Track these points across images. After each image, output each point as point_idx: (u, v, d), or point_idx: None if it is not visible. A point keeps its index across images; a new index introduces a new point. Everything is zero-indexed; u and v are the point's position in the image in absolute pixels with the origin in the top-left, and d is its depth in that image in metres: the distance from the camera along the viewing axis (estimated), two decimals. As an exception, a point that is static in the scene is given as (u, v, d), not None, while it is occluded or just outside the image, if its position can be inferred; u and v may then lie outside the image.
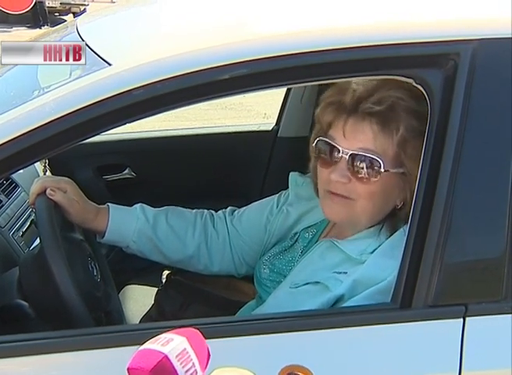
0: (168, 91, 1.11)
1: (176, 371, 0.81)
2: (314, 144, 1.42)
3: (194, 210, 1.71)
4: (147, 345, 0.84)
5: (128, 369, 0.82)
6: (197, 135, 2.63)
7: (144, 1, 2.03)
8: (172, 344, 0.83)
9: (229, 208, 1.74)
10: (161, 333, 0.86)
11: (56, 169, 2.07)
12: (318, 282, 1.38)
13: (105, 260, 1.70)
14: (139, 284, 2.07)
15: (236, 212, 1.72)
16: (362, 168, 1.33)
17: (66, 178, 1.55)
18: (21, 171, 1.85)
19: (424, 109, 1.19)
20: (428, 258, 1.15)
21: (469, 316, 1.16)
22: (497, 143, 1.16)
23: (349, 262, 1.38)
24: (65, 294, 1.25)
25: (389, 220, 1.40)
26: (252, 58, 1.12)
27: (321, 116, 1.43)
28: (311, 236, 1.57)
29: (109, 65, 1.17)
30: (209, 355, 0.87)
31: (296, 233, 1.61)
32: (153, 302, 1.81)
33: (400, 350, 1.17)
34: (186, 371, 0.82)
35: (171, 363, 0.81)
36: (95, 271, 1.47)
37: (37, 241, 1.74)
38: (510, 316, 1.17)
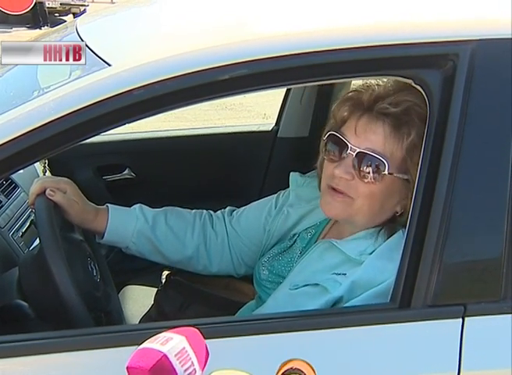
0: (168, 92, 1.11)
1: (174, 370, 0.82)
2: (324, 138, 1.43)
3: (193, 211, 1.71)
4: (146, 344, 0.84)
5: (127, 368, 0.82)
6: (197, 135, 2.63)
7: (143, 2, 2.03)
8: (172, 343, 0.83)
9: (227, 208, 1.74)
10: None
11: (56, 169, 2.08)
12: (317, 284, 1.38)
13: (105, 260, 1.69)
14: (138, 285, 2.06)
15: (234, 212, 1.72)
16: (367, 168, 1.33)
17: (66, 178, 1.56)
18: (21, 171, 1.85)
19: None
20: (427, 258, 1.15)
21: (468, 316, 1.16)
22: (496, 143, 1.16)
23: (348, 263, 1.38)
24: (64, 295, 1.25)
25: (389, 225, 1.40)
26: (252, 58, 1.12)
27: (337, 112, 1.43)
28: (309, 236, 1.57)
29: (109, 65, 1.17)
30: (208, 354, 0.87)
31: (295, 234, 1.60)
32: (152, 303, 1.81)
33: (400, 350, 1.17)
34: (185, 370, 0.83)
35: (170, 362, 0.81)
36: (95, 271, 1.47)
37: (37, 241, 1.74)
38: (509, 315, 1.17)
